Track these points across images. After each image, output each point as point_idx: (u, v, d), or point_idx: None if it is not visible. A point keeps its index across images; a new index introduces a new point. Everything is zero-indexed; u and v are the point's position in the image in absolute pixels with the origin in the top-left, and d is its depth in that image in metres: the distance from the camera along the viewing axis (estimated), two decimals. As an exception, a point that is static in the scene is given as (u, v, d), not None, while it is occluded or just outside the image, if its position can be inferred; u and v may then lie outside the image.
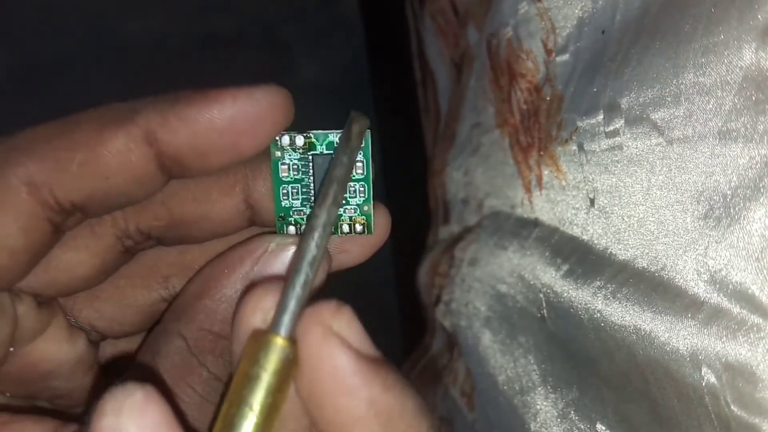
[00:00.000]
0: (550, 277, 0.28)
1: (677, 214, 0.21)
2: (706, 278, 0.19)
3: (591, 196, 0.25)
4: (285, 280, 0.17)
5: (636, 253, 0.23)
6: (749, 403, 0.18)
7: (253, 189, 0.20)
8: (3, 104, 0.57)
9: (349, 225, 0.20)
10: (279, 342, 0.16)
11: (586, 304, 0.25)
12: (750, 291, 0.18)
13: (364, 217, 0.20)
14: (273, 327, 0.16)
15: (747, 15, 0.18)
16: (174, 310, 0.20)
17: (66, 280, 0.20)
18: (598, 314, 0.24)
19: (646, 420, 0.23)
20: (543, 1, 0.28)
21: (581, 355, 0.26)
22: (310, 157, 0.20)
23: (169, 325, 0.19)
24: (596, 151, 0.25)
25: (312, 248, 0.17)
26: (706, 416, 0.19)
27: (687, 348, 0.20)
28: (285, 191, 0.20)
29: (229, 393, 0.16)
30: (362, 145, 0.19)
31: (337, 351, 0.16)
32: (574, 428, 0.27)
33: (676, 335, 0.20)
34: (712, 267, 0.19)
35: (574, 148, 0.26)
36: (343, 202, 0.20)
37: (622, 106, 0.23)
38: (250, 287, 0.18)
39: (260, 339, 0.16)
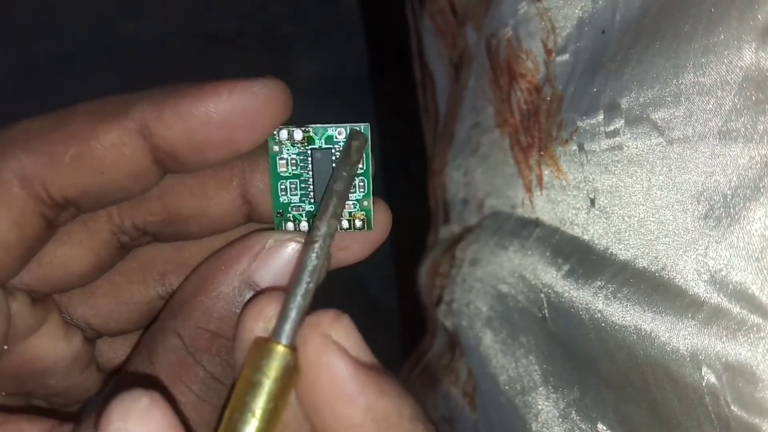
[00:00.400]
0: (551, 277, 0.28)
1: (677, 214, 0.21)
2: (706, 278, 0.19)
3: (591, 196, 0.25)
4: (286, 289, 0.17)
5: (636, 253, 0.23)
6: (749, 403, 0.18)
7: (251, 184, 0.20)
8: (3, 104, 0.57)
9: (349, 221, 0.20)
10: (280, 350, 0.16)
11: (586, 304, 0.25)
12: (750, 291, 0.18)
13: (363, 212, 0.20)
14: (274, 335, 0.16)
15: (747, 15, 0.18)
16: (170, 308, 0.20)
17: (60, 276, 0.20)
18: (599, 314, 0.24)
19: (647, 420, 0.23)
20: (543, 1, 0.28)
21: (582, 355, 0.26)
22: (309, 152, 0.20)
23: (165, 323, 0.19)
24: (596, 151, 0.25)
25: (313, 259, 0.17)
26: (706, 416, 0.19)
27: (687, 348, 0.20)
28: (283, 186, 0.20)
29: (232, 399, 0.16)
30: (361, 162, 0.19)
31: (335, 359, 0.16)
32: (576, 428, 0.27)
33: (676, 335, 0.20)
34: (713, 267, 0.19)
35: (575, 148, 0.26)
36: None
37: (622, 106, 0.23)
38: (254, 296, 0.18)
39: (262, 346, 0.16)
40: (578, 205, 0.27)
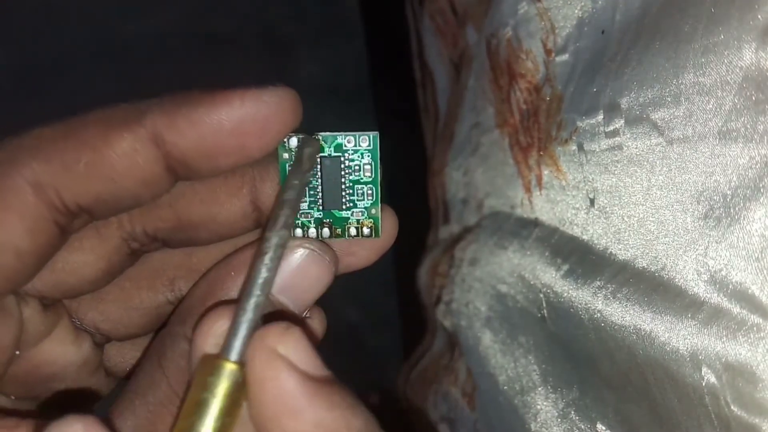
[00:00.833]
0: (550, 277, 0.28)
1: (677, 214, 0.21)
2: (706, 278, 0.19)
3: (591, 196, 0.25)
4: (236, 303, 0.17)
5: (636, 253, 0.23)
6: (749, 403, 0.18)
7: (261, 191, 0.20)
8: (3, 104, 0.57)
9: (357, 228, 0.20)
10: (228, 366, 0.16)
11: (586, 304, 0.25)
12: (750, 291, 0.18)
13: (371, 220, 0.20)
14: (223, 351, 0.16)
15: (747, 15, 0.18)
16: (180, 313, 0.20)
17: (72, 283, 0.20)
18: (599, 314, 0.24)
19: (646, 420, 0.23)
20: (543, 1, 0.28)
21: (581, 355, 0.26)
22: (318, 160, 0.20)
23: (174, 328, 0.19)
24: (596, 151, 0.25)
25: (262, 272, 0.17)
26: (706, 416, 0.19)
27: (687, 348, 0.20)
28: None
29: (180, 418, 0.16)
30: (313, 169, 0.19)
31: (281, 373, 0.16)
32: (575, 428, 0.27)
33: (676, 335, 0.20)
34: (712, 267, 0.19)
35: (574, 148, 0.26)
36: (351, 204, 0.20)
37: (622, 106, 0.23)
38: (206, 311, 0.18)
39: (209, 364, 0.16)
40: (578, 205, 0.27)
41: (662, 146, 0.21)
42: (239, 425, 0.16)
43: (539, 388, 0.30)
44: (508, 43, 0.31)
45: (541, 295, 0.28)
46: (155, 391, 0.18)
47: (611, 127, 0.23)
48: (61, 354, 0.20)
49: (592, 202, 0.25)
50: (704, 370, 0.19)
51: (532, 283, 0.29)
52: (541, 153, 0.29)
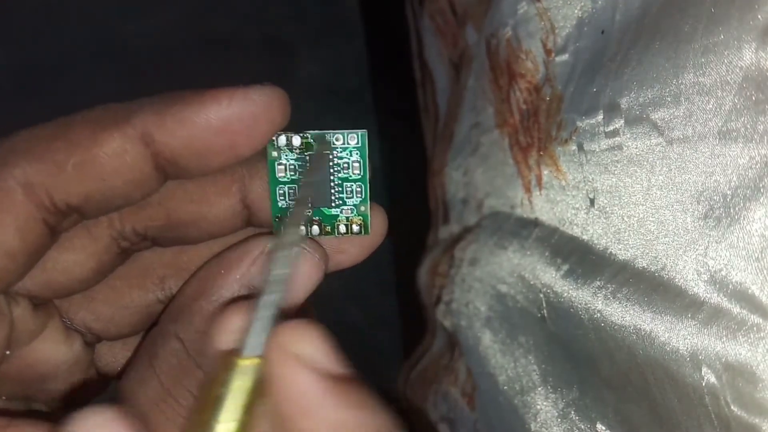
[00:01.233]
0: (550, 277, 0.28)
1: (677, 214, 0.21)
2: (706, 278, 0.19)
3: (591, 196, 0.25)
4: (255, 299, 0.17)
5: (636, 253, 0.23)
6: (749, 403, 0.18)
7: (250, 189, 0.20)
8: (3, 104, 0.57)
9: (346, 225, 0.20)
10: (246, 364, 0.16)
11: (586, 304, 0.25)
12: (750, 291, 0.18)
13: (361, 217, 0.20)
14: (241, 348, 0.16)
15: (747, 15, 0.18)
16: (170, 312, 0.20)
17: (62, 282, 0.20)
18: (599, 314, 0.24)
19: (646, 420, 0.23)
20: (542, 1, 0.28)
21: (581, 355, 0.26)
22: (307, 158, 0.20)
23: (165, 327, 0.19)
24: (596, 151, 0.25)
25: (280, 268, 0.17)
26: (706, 416, 0.19)
27: (687, 348, 0.20)
28: (282, 192, 0.20)
29: (197, 415, 0.16)
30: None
31: (298, 373, 0.16)
32: (575, 428, 0.27)
33: (676, 335, 0.20)
34: (712, 267, 0.19)
35: (574, 148, 0.26)
36: (340, 202, 0.20)
37: (622, 106, 0.23)
38: (225, 306, 0.18)
39: (228, 361, 0.16)
40: (577, 205, 0.27)
41: (662, 146, 0.21)
42: (259, 422, 0.16)
43: (539, 388, 0.30)
44: (508, 43, 0.31)
45: (541, 295, 0.28)
46: (147, 390, 0.18)
47: (611, 127, 0.23)
48: (51, 354, 0.20)
49: (592, 202, 0.25)
50: (704, 370, 0.19)
51: (532, 283, 0.29)
52: (541, 153, 0.29)
